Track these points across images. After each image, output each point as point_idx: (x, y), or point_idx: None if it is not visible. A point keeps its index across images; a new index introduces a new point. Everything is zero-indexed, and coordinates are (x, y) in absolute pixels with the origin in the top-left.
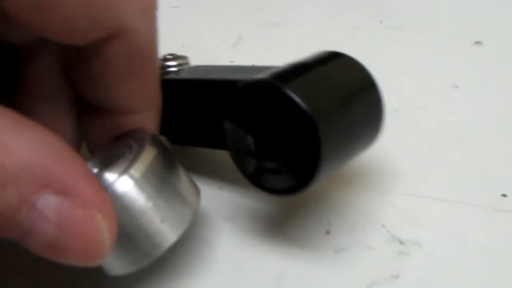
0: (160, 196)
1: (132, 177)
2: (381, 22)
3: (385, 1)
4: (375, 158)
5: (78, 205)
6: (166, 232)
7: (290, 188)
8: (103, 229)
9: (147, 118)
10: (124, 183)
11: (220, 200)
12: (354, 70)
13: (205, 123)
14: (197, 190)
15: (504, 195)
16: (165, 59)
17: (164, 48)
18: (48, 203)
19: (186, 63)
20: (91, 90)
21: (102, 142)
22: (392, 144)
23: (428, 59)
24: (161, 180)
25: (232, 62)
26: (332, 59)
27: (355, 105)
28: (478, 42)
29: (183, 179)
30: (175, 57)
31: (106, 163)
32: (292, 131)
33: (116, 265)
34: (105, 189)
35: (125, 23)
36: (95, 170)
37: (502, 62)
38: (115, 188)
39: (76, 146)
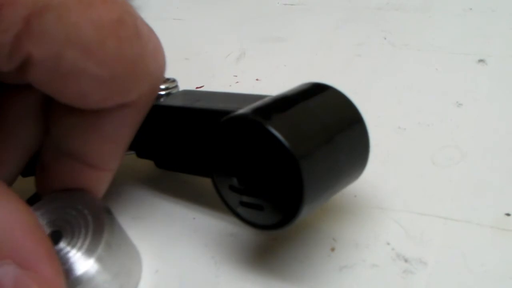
0: (113, 272)
1: (93, 258)
2: (385, 38)
3: (389, 18)
4: (380, 175)
5: (36, 282)
6: None
7: (273, 225)
8: None
9: (105, 177)
10: (85, 264)
11: (222, 217)
12: (339, 103)
13: (191, 151)
14: (138, 255)
15: (508, 214)
16: None
17: (168, 61)
18: (8, 272)
19: (175, 86)
20: (65, 137)
21: (51, 185)
22: (396, 161)
23: (432, 77)
24: (115, 256)
25: (235, 76)
26: (317, 92)
27: (340, 140)
28: (481, 60)
29: (130, 250)
30: (163, 80)
31: (62, 230)
32: (275, 168)
33: None
34: (65, 265)
35: (134, 99)
36: (47, 230)
37: (505, 80)
38: (76, 267)
39: (13, 180)
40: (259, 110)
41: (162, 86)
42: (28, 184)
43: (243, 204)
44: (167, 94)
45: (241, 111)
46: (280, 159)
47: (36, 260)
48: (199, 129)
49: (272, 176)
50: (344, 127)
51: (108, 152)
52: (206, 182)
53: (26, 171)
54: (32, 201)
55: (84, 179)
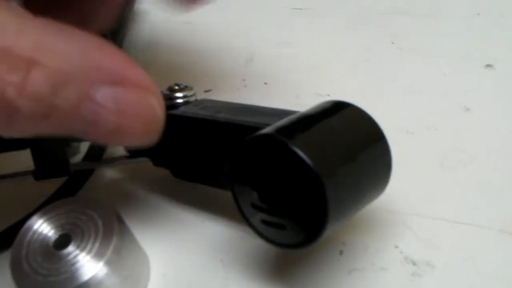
0: (122, 275)
1: (102, 261)
2: (393, 43)
3: (397, 22)
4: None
5: (130, 90)
6: None
7: (296, 244)
8: (155, 106)
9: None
10: (94, 267)
11: (231, 220)
12: (361, 121)
13: (209, 162)
14: (146, 259)
15: None
16: (172, 89)
17: (177, 64)
18: (105, 94)
19: (193, 95)
20: None
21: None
22: (405, 165)
23: (440, 81)
24: (124, 260)
25: (244, 79)
26: (339, 110)
27: (363, 159)
28: (489, 65)
29: (139, 253)
30: (181, 88)
31: (71, 234)
32: (298, 187)
33: None
34: (74, 268)
35: None
36: (57, 234)
37: None
38: (85, 271)
39: None
40: (283, 129)
41: (180, 94)
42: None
43: (265, 222)
44: (185, 103)
45: (266, 130)
46: (304, 179)
47: (122, 73)
48: (219, 142)
49: (296, 195)
50: (367, 145)
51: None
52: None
53: (38, 174)
54: (43, 206)
55: None
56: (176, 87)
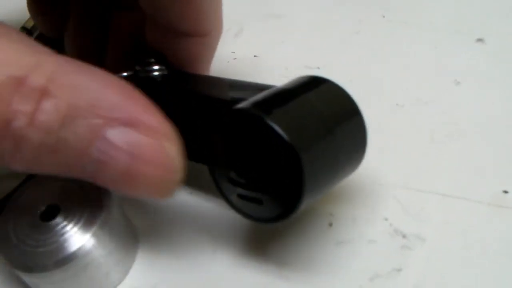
0: (109, 247)
1: (89, 233)
2: (383, 16)
3: None
4: (378, 151)
5: (146, 134)
6: (112, 279)
7: (272, 218)
8: (173, 155)
9: (208, 43)
10: (81, 239)
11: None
12: (337, 97)
13: (186, 136)
14: (135, 231)
15: (506, 192)
16: (149, 63)
17: None
18: (118, 133)
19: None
20: (160, 11)
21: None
22: (395, 138)
23: (430, 55)
24: (112, 232)
25: (233, 52)
26: (316, 85)
27: (339, 133)
28: (480, 40)
29: (127, 226)
30: (154, 62)
31: (60, 205)
32: (275, 162)
33: None
34: (61, 239)
35: None
36: (45, 204)
37: (503, 59)
38: (72, 242)
39: None
40: (259, 104)
41: (156, 67)
42: None
43: (241, 197)
44: (162, 76)
45: (241, 104)
46: (280, 153)
47: (138, 115)
48: (195, 116)
49: (272, 169)
50: (343, 119)
51: (201, 15)
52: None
53: None
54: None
55: (190, 49)
56: (152, 60)
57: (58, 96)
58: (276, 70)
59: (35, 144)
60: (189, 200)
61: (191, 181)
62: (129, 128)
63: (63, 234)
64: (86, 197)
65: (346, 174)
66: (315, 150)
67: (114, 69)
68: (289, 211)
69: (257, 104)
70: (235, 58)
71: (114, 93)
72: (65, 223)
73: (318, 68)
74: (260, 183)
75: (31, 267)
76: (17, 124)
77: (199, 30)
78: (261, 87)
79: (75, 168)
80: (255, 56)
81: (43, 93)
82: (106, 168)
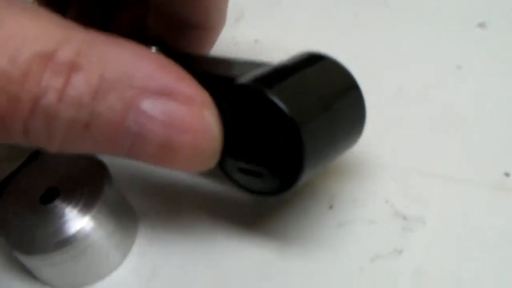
0: (109, 229)
1: (88, 215)
2: (385, 1)
3: None
4: (380, 135)
5: (183, 103)
6: (112, 261)
7: (272, 191)
8: (212, 122)
9: (209, 36)
10: (81, 221)
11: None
12: (335, 72)
13: None
14: (134, 213)
15: (507, 174)
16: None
17: None
18: (153, 104)
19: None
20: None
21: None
22: (397, 122)
23: (431, 41)
24: (111, 214)
25: (234, 37)
26: (315, 61)
27: (337, 107)
28: (481, 25)
29: (126, 208)
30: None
31: (59, 187)
32: (275, 135)
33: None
34: (61, 222)
35: None
36: (45, 185)
37: (505, 45)
38: (72, 225)
39: None
40: (260, 79)
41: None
42: None
43: (241, 170)
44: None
45: (242, 79)
46: (280, 126)
47: (173, 85)
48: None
49: (272, 143)
50: (341, 94)
51: (209, 9)
52: None
53: None
54: (33, 156)
55: (191, 40)
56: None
57: (88, 69)
58: (277, 56)
59: (67, 121)
60: (189, 180)
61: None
62: (165, 98)
63: (62, 217)
64: (85, 180)
65: (346, 147)
66: (315, 122)
67: None
68: (289, 184)
69: (258, 79)
70: (235, 44)
71: (146, 64)
72: (64, 205)
73: None
74: (260, 156)
75: (31, 250)
76: (47, 101)
77: (205, 24)
78: (261, 64)
79: (110, 144)
80: (255, 41)
81: (73, 67)
82: (143, 141)
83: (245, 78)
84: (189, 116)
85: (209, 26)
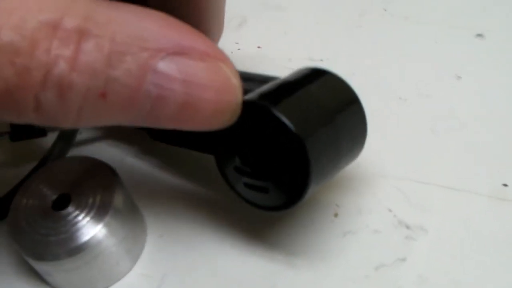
0: (120, 236)
1: (101, 223)
2: (385, 10)
3: None
4: (381, 144)
5: (199, 59)
6: (122, 267)
7: (279, 206)
8: (230, 75)
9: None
10: (94, 229)
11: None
12: (337, 87)
13: None
14: (143, 220)
15: (505, 185)
16: None
17: None
18: (170, 64)
19: None
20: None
21: None
22: (398, 131)
23: (431, 49)
24: (122, 221)
25: (237, 43)
26: (317, 77)
27: (340, 121)
28: (480, 35)
29: (136, 215)
30: None
31: (71, 194)
32: (280, 150)
33: None
34: (74, 229)
35: None
36: (56, 192)
37: (503, 55)
38: (85, 232)
39: None
40: (265, 95)
41: None
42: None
43: (247, 186)
44: None
45: (248, 96)
46: (286, 141)
47: (187, 42)
48: None
49: (278, 158)
50: (343, 108)
51: (206, 17)
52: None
53: (14, 136)
54: (43, 162)
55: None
56: None
57: (99, 34)
58: (279, 62)
59: (82, 90)
60: (196, 189)
61: (198, 172)
62: (180, 56)
63: (75, 224)
64: (96, 186)
65: (349, 160)
66: (319, 137)
67: None
68: (296, 199)
69: (263, 96)
70: (238, 49)
71: (156, 24)
72: (77, 212)
73: (321, 60)
74: (266, 172)
75: (43, 256)
76: (59, 71)
77: (202, 32)
78: (264, 78)
79: (128, 111)
80: (258, 47)
81: (82, 33)
82: (163, 103)
83: (251, 94)
84: (207, 72)
85: (207, 33)
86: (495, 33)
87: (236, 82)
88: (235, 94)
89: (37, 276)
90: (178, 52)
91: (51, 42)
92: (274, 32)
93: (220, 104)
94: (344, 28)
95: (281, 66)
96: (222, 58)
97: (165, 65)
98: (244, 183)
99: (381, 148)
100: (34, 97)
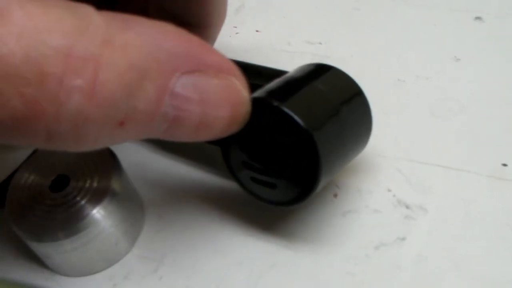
0: (118, 218)
1: (99, 204)
2: None
3: None
4: (381, 125)
5: (212, 76)
6: (120, 249)
7: (289, 201)
8: (241, 89)
9: (209, 34)
10: (92, 210)
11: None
12: (342, 81)
13: None
14: (141, 201)
15: (505, 165)
16: None
17: None
18: (185, 84)
19: None
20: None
21: None
22: (397, 112)
23: (430, 32)
24: (120, 203)
25: (235, 27)
26: (322, 72)
27: (346, 114)
28: (478, 18)
29: (134, 196)
30: None
31: (70, 174)
32: (290, 146)
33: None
34: (72, 210)
35: None
36: (55, 173)
37: (501, 37)
38: (83, 213)
39: None
40: (273, 92)
41: None
42: None
43: (254, 180)
44: None
45: (257, 93)
46: (295, 137)
47: (199, 59)
48: None
49: (287, 154)
50: (349, 101)
51: (209, 7)
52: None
53: None
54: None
55: None
56: None
57: (115, 62)
58: (278, 45)
59: (100, 123)
60: (195, 171)
61: (197, 153)
62: (195, 75)
63: (73, 205)
64: (94, 168)
65: (356, 152)
66: (327, 132)
67: None
68: (306, 193)
69: (272, 93)
70: (237, 33)
71: (170, 41)
72: (75, 193)
73: (320, 43)
74: (274, 167)
75: (41, 237)
76: (73, 104)
77: (205, 21)
78: (271, 72)
79: (146, 132)
80: (257, 31)
81: (97, 61)
82: (180, 123)
83: (260, 91)
84: (221, 90)
85: (209, 24)
86: (494, 16)
87: (246, 94)
88: (247, 106)
89: (37, 260)
90: (195, 70)
91: (63, 72)
92: (272, 16)
93: (233, 118)
94: (343, 11)
95: (280, 50)
96: (233, 72)
97: (181, 86)
98: (251, 177)
99: (380, 129)
100: (45, 129)
